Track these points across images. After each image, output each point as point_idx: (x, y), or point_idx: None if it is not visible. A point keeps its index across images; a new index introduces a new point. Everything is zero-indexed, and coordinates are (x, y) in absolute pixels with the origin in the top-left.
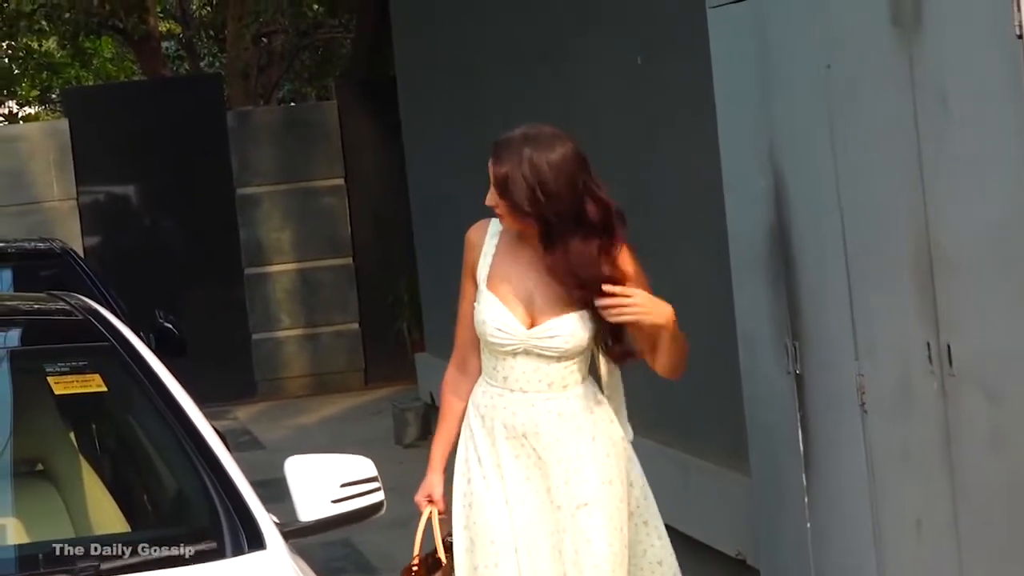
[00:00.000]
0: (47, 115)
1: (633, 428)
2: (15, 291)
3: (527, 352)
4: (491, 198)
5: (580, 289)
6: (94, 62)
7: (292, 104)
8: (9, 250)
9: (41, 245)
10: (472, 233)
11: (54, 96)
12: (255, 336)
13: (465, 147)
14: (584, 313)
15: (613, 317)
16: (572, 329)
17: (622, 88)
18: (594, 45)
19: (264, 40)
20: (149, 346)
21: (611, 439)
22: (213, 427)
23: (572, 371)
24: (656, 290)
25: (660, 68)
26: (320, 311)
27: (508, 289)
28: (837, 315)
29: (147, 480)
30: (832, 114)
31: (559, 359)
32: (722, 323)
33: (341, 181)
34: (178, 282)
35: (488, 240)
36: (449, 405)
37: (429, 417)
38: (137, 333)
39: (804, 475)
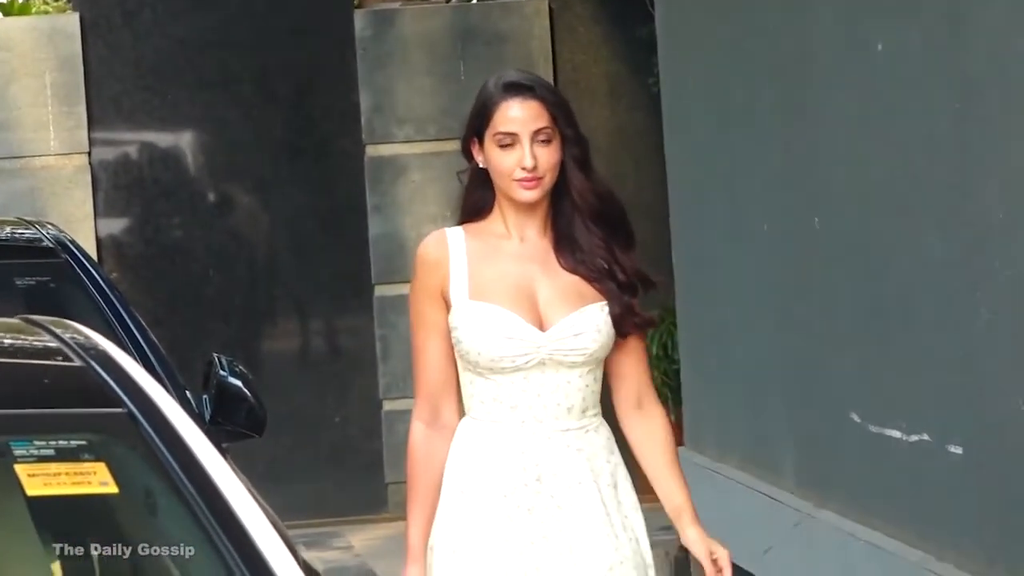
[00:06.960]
0: (45, 4)
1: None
2: None
3: (543, 364)
4: (533, 157)
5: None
6: None
7: (470, 0)
8: None
9: (21, 234)
10: (430, 249)
11: None
12: (388, 405)
13: (783, 88)
14: (602, 304)
15: None
16: (598, 323)
17: None
18: None
19: None
20: (199, 417)
21: (632, 487)
22: (303, 564)
23: (592, 389)
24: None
25: None
26: None
27: (503, 291)
28: None
29: None
30: None
31: (583, 367)
32: None
33: None
34: (256, 307)
35: (453, 252)
36: (423, 473)
37: (687, 564)
38: (180, 393)
39: None
